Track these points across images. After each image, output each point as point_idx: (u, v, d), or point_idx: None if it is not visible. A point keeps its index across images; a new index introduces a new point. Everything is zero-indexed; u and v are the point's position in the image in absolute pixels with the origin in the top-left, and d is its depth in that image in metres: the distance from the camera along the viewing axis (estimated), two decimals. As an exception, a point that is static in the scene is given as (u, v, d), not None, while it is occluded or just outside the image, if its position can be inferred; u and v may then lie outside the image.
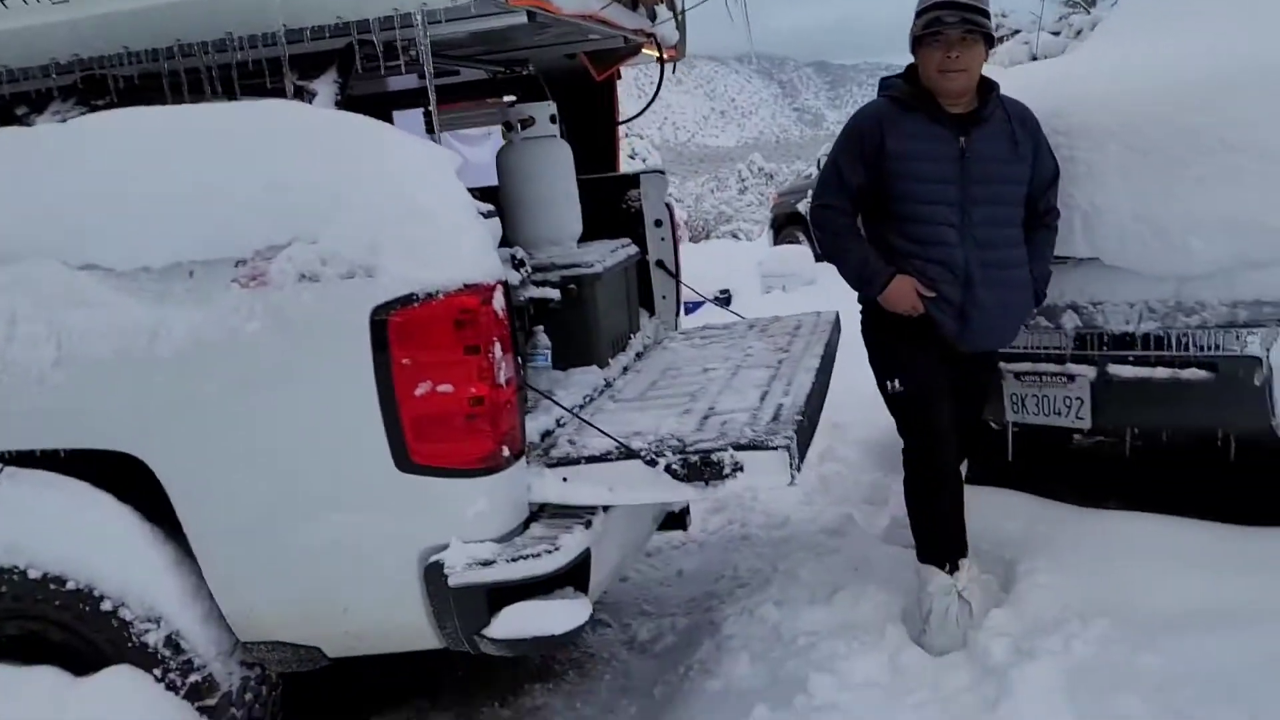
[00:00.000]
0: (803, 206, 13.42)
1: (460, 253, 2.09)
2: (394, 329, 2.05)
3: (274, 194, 2.11)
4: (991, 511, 3.26)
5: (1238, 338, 2.93)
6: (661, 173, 3.78)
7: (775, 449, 2.17)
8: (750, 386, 2.71)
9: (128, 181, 2.19)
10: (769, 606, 3.06)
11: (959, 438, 2.94)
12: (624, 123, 3.92)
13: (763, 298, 9.62)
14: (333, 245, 2.06)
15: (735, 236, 24.23)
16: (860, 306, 3.01)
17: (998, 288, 2.78)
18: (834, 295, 4.54)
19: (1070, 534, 3.13)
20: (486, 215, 2.16)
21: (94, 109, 2.49)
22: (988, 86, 2.84)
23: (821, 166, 3.23)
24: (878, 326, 2.93)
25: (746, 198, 30.09)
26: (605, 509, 2.32)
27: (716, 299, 7.47)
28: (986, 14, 2.74)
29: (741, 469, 2.19)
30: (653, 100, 3.69)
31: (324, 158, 2.14)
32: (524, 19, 2.43)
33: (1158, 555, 2.94)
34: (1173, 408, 3.10)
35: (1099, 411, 3.20)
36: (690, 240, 23.88)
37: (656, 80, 3.71)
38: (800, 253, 10.53)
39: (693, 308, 7.49)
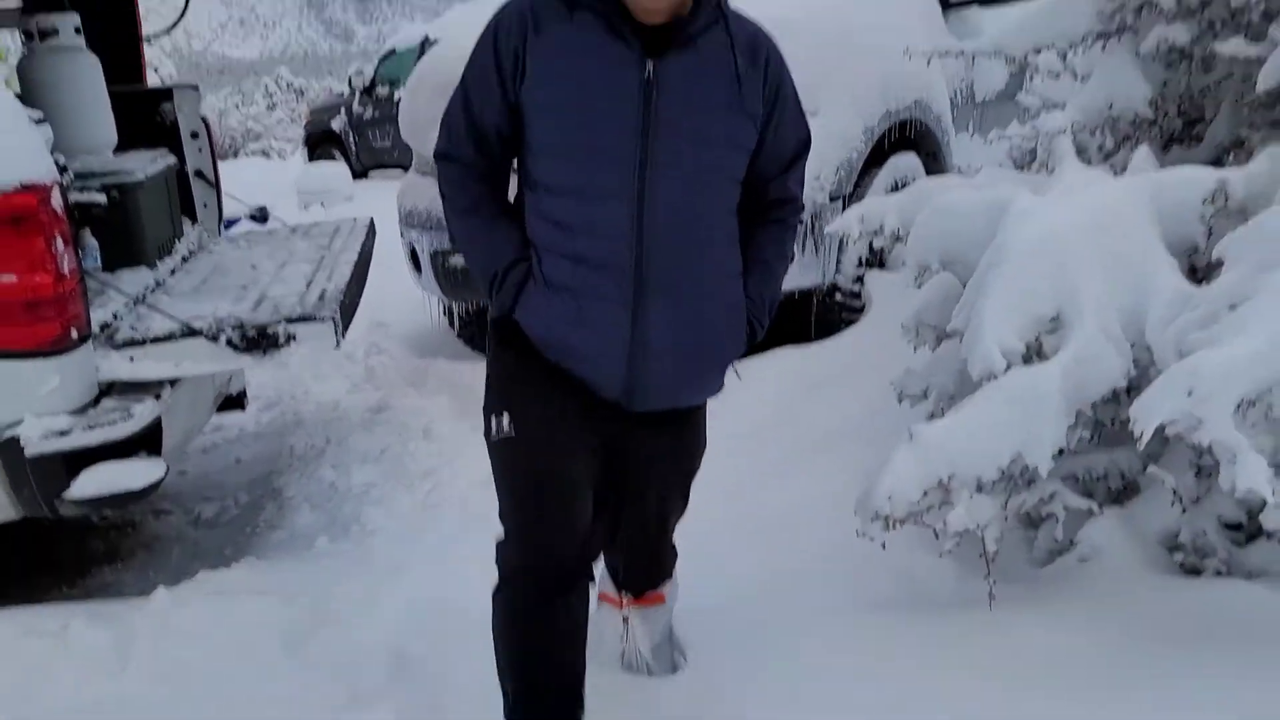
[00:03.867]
0: (337, 124, 13.48)
1: (13, 155, 2.30)
2: (-50, 226, 2.23)
3: None
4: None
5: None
6: (195, 87, 3.97)
7: (323, 320, 2.67)
8: (297, 277, 3.15)
9: None
10: (326, 469, 3.57)
11: (615, 532, 2.00)
12: (156, 37, 4.03)
13: (301, 214, 9.72)
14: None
15: (265, 155, 23.26)
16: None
17: (689, 310, 1.78)
18: (376, 212, 5.03)
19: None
20: (38, 121, 2.37)
21: None
22: None
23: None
24: (498, 339, 1.88)
25: (276, 114, 28.71)
26: (172, 383, 2.68)
27: (253, 215, 7.55)
28: None
29: (294, 338, 2.66)
30: (183, 14, 3.85)
31: None
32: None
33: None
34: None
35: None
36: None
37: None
38: (337, 169, 10.71)
39: (230, 224, 7.51)
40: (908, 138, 4.24)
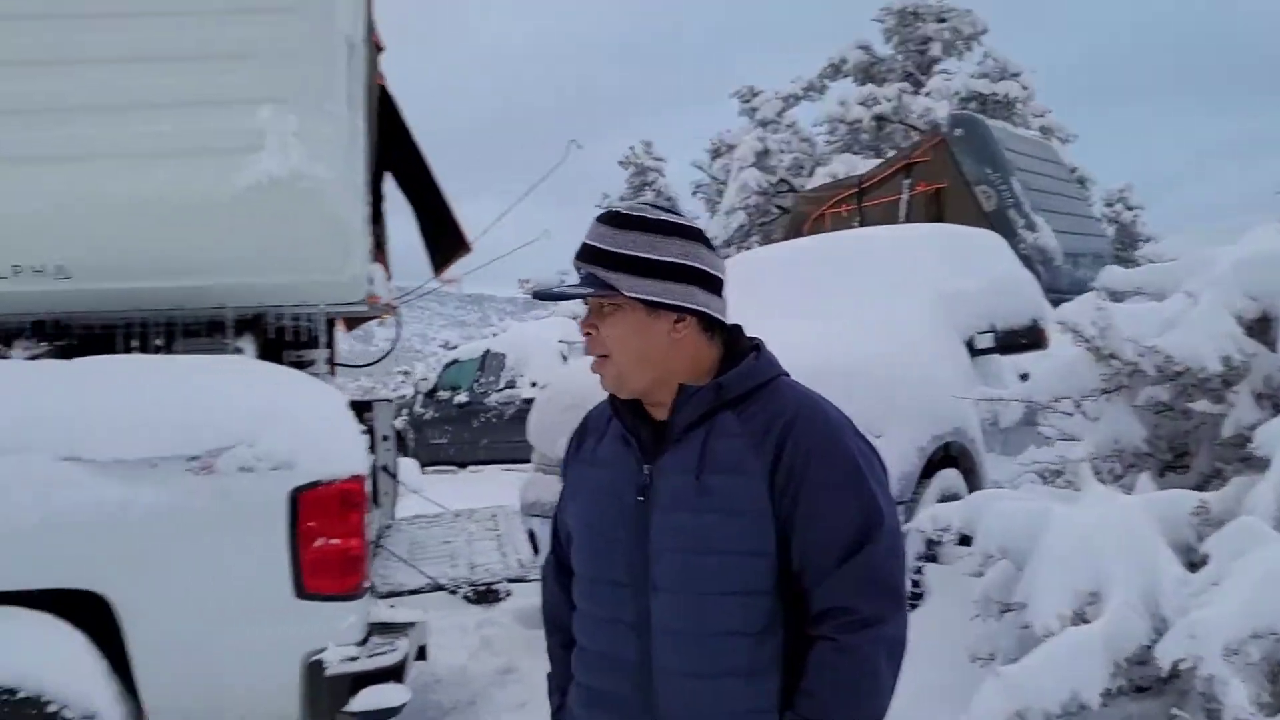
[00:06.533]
0: (399, 423, 14.76)
1: (348, 455, 3.26)
2: (304, 502, 3.15)
3: (222, 413, 3.17)
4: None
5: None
6: (390, 401, 5.03)
7: (534, 580, 3.51)
8: (490, 549, 4.03)
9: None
10: (484, 716, 4.25)
11: None
12: (363, 366, 5.18)
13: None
14: (266, 448, 3.15)
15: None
16: None
17: None
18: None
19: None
20: (365, 432, 3.37)
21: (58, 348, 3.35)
22: (729, 365, 1.61)
23: None
24: None
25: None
26: (411, 627, 3.48)
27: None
28: (642, 264, 1.55)
29: (510, 593, 3.50)
30: (393, 348, 4.99)
31: (259, 392, 3.24)
32: (364, 306, 3.73)
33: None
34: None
35: None
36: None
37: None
38: (407, 464, 11.73)
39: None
40: (950, 456, 5.24)
